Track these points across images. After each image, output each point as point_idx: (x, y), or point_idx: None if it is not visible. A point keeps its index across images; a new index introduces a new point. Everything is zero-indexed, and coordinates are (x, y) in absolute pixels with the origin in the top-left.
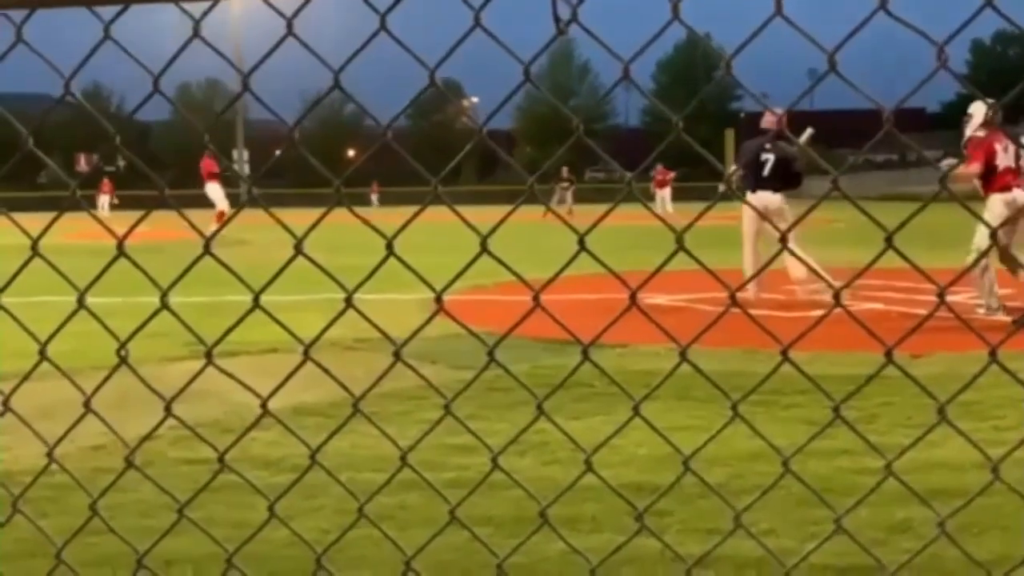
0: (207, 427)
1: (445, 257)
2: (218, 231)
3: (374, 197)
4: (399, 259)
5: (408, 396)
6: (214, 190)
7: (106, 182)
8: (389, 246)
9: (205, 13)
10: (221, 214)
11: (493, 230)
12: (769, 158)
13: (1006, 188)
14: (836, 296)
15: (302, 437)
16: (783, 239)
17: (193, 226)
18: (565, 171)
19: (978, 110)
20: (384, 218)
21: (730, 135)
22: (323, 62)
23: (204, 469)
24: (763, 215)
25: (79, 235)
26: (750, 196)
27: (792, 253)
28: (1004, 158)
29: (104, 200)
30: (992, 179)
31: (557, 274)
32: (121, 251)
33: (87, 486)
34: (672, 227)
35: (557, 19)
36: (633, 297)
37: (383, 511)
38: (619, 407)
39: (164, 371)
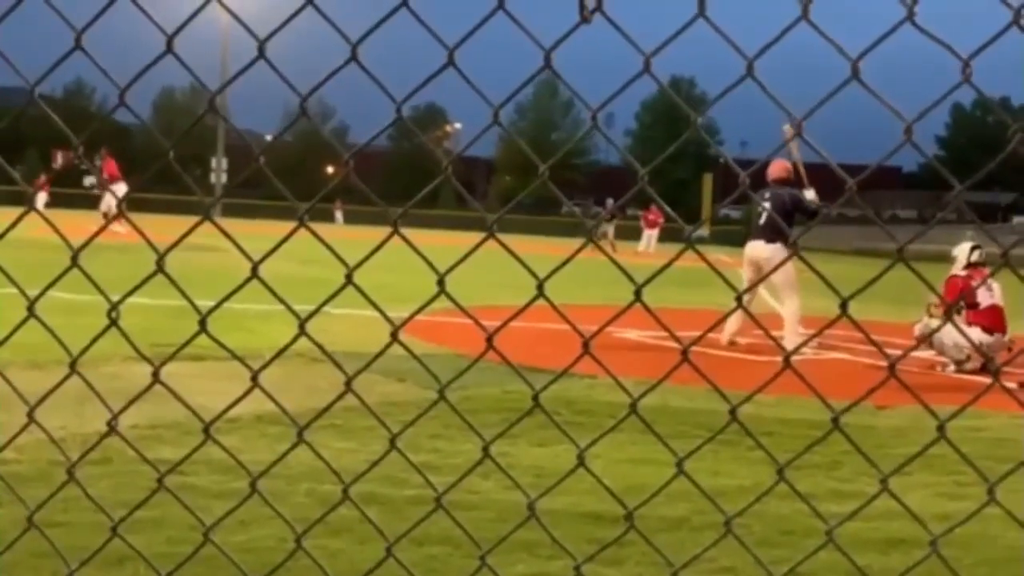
0: (167, 428)
1: (418, 277)
2: (102, 229)
3: (338, 214)
4: (358, 289)
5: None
6: (119, 191)
7: (43, 178)
8: (348, 277)
9: (178, 30)
10: (112, 215)
11: (451, 268)
12: (765, 206)
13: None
14: (787, 360)
15: (265, 445)
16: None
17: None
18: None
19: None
20: (349, 235)
21: (708, 179)
22: (291, 87)
23: (161, 469)
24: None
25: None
26: (747, 246)
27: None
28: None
29: (41, 198)
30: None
31: (511, 319)
32: (165, 259)
33: (43, 479)
34: (631, 277)
35: (583, 6)
36: (587, 345)
37: (343, 523)
38: (583, 436)
39: (128, 369)
